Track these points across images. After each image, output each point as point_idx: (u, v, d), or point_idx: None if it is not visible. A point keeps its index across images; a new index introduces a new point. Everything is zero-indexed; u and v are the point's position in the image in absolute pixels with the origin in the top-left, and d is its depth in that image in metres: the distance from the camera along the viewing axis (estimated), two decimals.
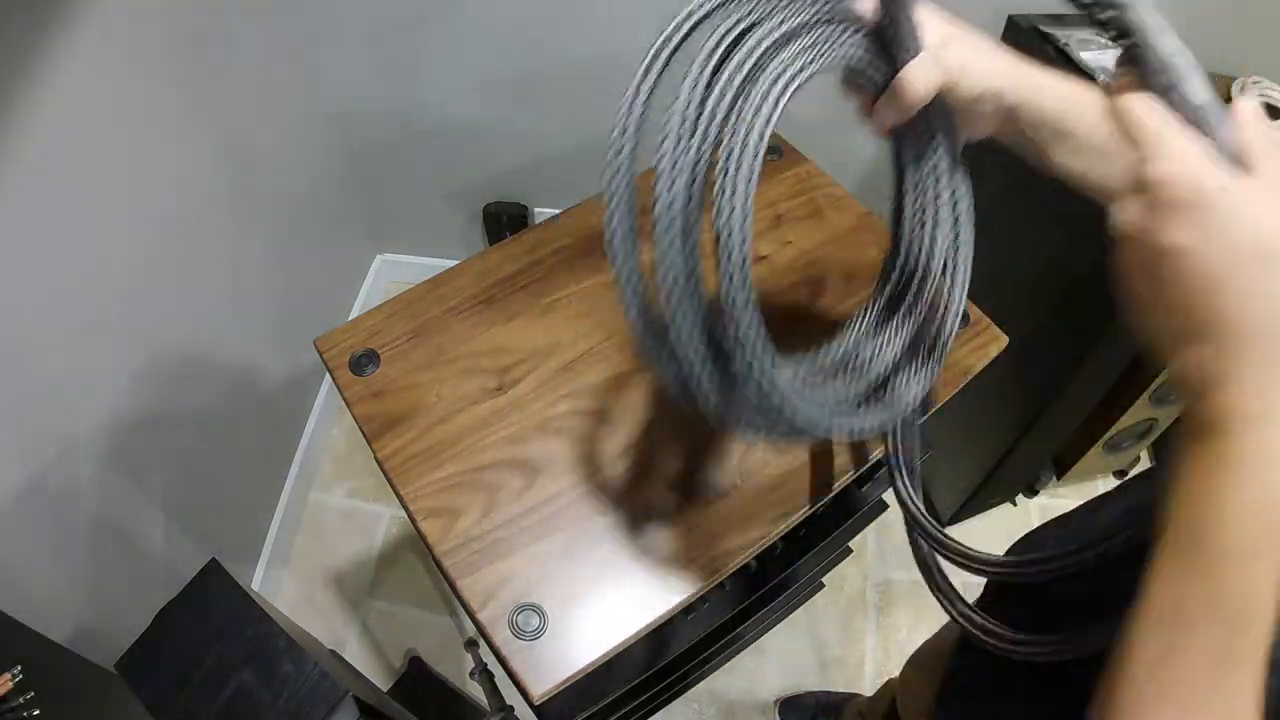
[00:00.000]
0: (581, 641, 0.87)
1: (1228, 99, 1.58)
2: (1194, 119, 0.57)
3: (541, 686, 0.85)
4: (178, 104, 1.57)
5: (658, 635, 0.93)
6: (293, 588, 2.20)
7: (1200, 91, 0.58)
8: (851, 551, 1.78)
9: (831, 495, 0.99)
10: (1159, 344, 0.56)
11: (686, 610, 0.88)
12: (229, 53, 1.71)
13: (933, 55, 0.69)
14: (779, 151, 1.30)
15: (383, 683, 2.05)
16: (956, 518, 2.28)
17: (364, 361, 1.06)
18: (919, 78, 0.69)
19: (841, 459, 1.01)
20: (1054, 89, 0.68)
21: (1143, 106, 0.58)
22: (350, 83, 2.05)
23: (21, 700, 0.99)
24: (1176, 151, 0.54)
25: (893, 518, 2.29)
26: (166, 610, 1.19)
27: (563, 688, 0.85)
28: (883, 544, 2.31)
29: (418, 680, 2.04)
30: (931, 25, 0.69)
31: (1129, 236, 0.56)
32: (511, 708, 1.61)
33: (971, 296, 1.13)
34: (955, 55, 0.69)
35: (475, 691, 2.02)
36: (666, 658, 1.20)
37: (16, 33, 1.17)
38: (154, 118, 1.51)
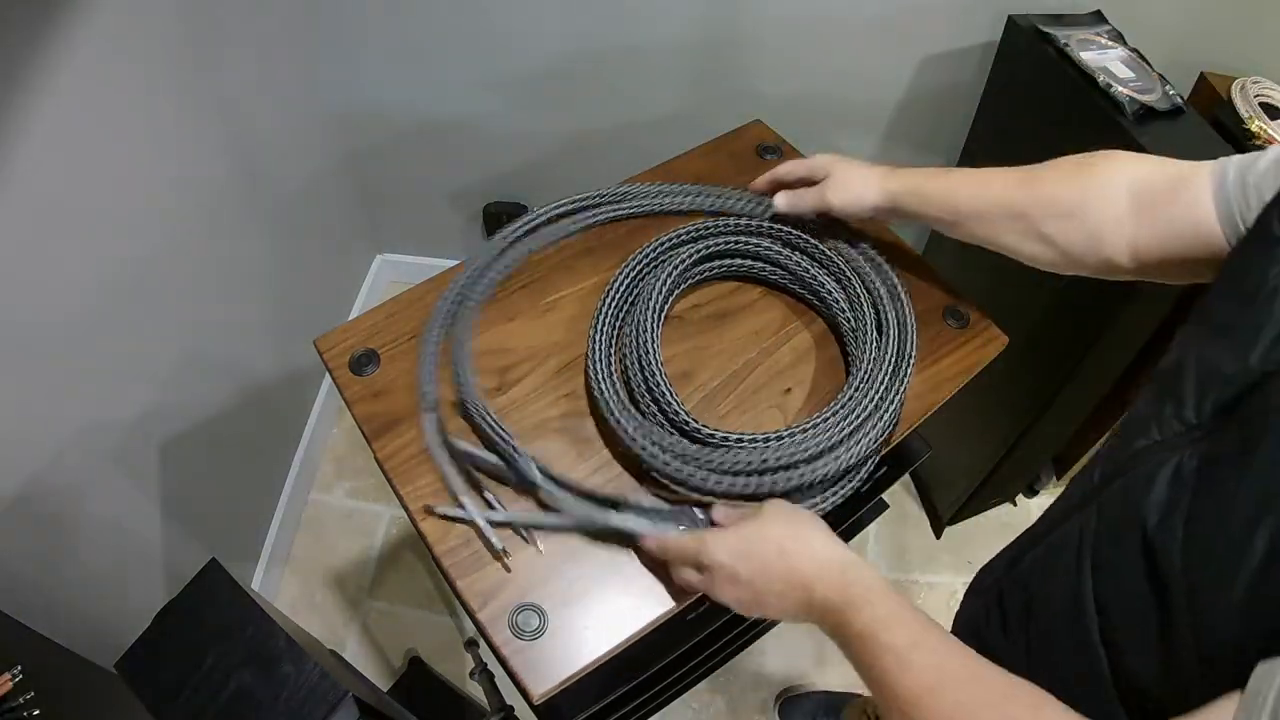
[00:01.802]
0: (581, 642, 0.87)
1: (1228, 98, 1.59)
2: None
3: (541, 686, 0.85)
4: (179, 105, 1.57)
5: (658, 635, 0.93)
6: (293, 587, 2.20)
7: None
8: None
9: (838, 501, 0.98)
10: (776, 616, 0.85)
11: (686, 610, 0.88)
12: (230, 53, 1.71)
13: (821, 191, 1.10)
14: (779, 152, 1.31)
15: (383, 683, 2.04)
16: (956, 518, 2.29)
17: (364, 361, 1.06)
18: (809, 200, 1.11)
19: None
20: (917, 196, 1.03)
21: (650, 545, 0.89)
22: (351, 83, 2.05)
23: (21, 700, 0.99)
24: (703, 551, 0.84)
25: (891, 516, 2.30)
26: (167, 610, 1.19)
27: (562, 688, 0.86)
28: (883, 544, 2.31)
29: (417, 680, 2.04)
30: (825, 164, 1.12)
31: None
32: (511, 707, 1.61)
33: (971, 297, 1.14)
34: (836, 190, 1.08)
35: (475, 691, 2.02)
36: (667, 658, 1.20)
37: (17, 31, 1.17)
38: (155, 118, 1.51)
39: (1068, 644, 0.72)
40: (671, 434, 0.96)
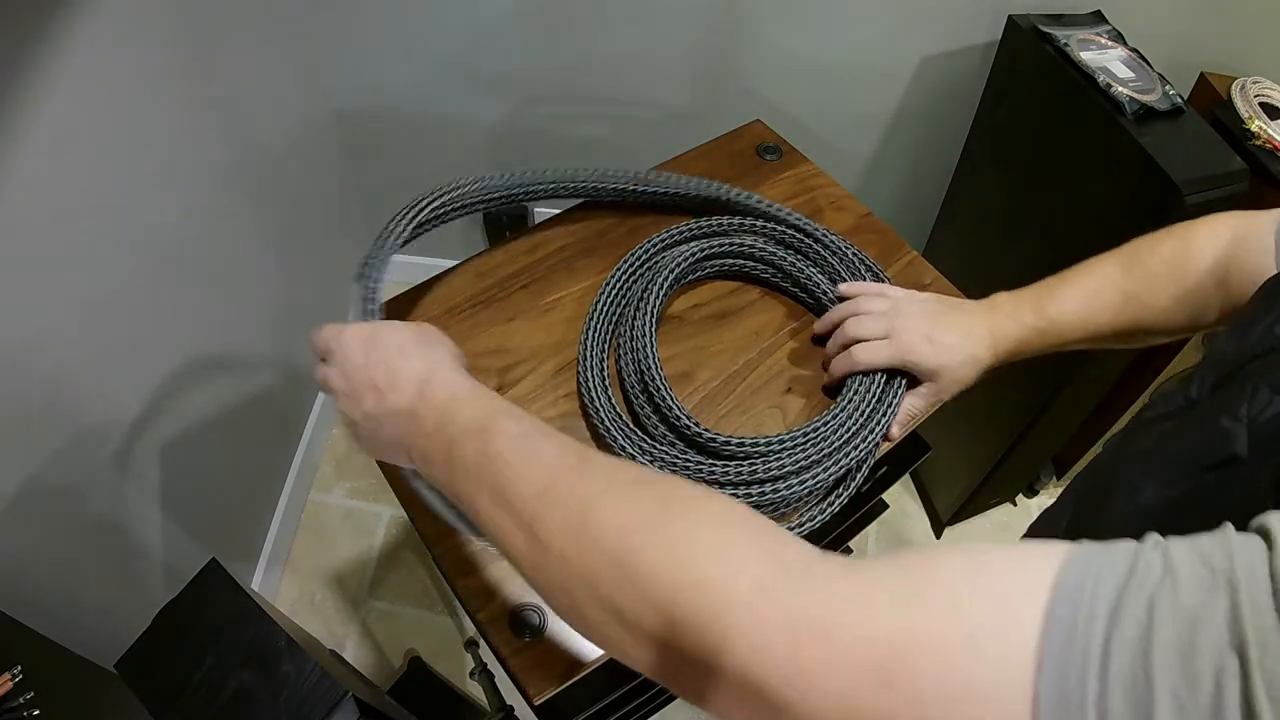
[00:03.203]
0: (582, 642, 0.87)
1: (1228, 98, 1.59)
2: None
3: (541, 687, 0.85)
4: (178, 106, 1.57)
5: None
6: (292, 588, 2.20)
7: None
8: (851, 551, 1.78)
9: (839, 505, 0.98)
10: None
11: None
12: (229, 54, 1.71)
13: (927, 397, 1.01)
14: (778, 152, 1.31)
15: (382, 683, 2.05)
16: (957, 518, 2.29)
17: None
18: (918, 406, 1.02)
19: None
20: (1015, 356, 0.98)
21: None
22: (349, 83, 2.05)
23: (21, 700, 0.99)
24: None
25: (891, 516, 2.30)
26: (166, 610, 1.19)
27: (562, 688, 0.86)
28: (883, 544, 2.32)
29: (417, 680, 2.04)
30: (924, 367, 0.98)
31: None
32: (511, 708, 1.62)
33: (969, 296, 1.14)
34: (946, 390, 1.00)
35: (475, 691, 2.02)
36: None
37: (16, 34, 1.17)
38: (154, 121, 1.51)
39: None
40: (664, 443, 0.96)
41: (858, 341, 1.00)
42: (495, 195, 1.12)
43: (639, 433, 0.97)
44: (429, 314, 1.11)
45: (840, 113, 1.97)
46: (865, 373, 0.99)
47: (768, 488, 0.91)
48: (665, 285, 1.07)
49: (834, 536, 1.35)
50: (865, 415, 0.97)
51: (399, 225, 1.03)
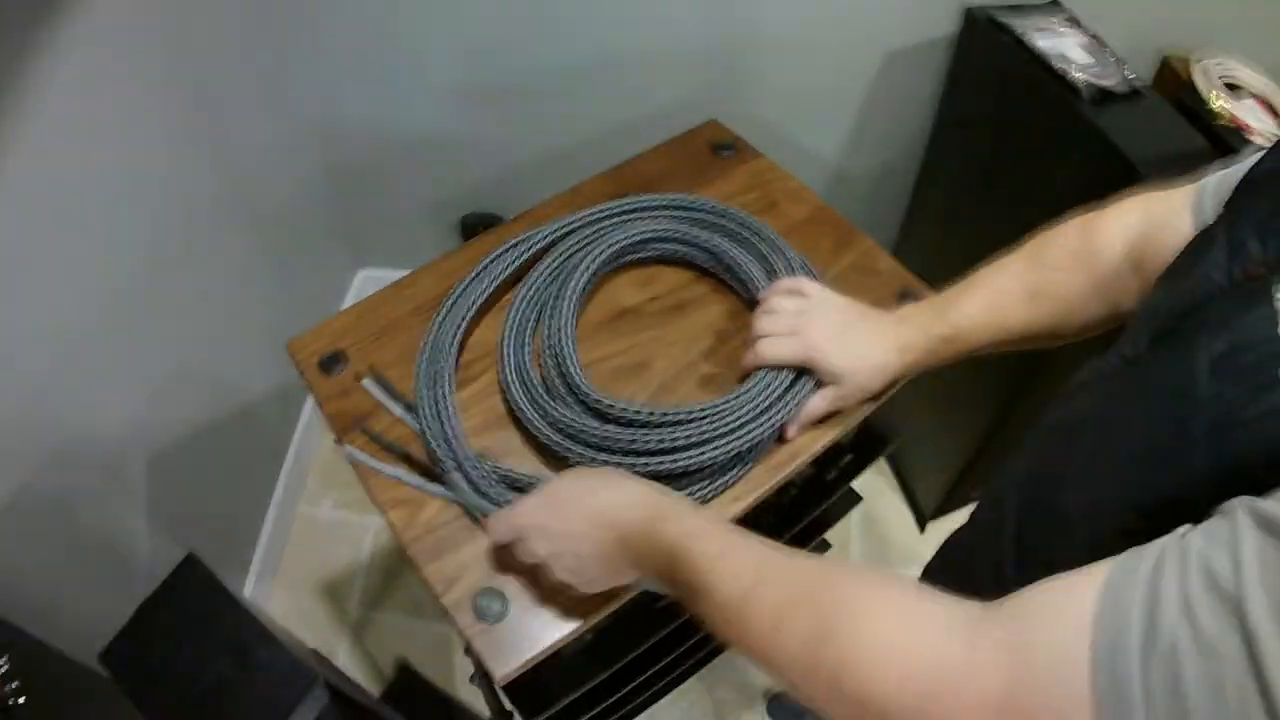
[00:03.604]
0: (545, 624, 0.89)
1: (1188, 78, 1.61)
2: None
3: (505, 668, 0.87)
4: (162, 121, 1.59)
5: (630, 621, 0.94)
6: (282, 599, 2.21)
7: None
8: (830, 545, 1.79)
9: (788, 474, 1.00)
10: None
11: (654, 597, 0.90)
12: (211, 70, 1.73)
13: (829, 398, 1.00)
14: (733, 149, 1.33)
15: (373, 691, 2.06)
16: (939, 512, 2.30)
17: (332, 361, 1.09)
18: (819, 409, 1.01)
19: (799, 442, 1.02)
20: (925, 364, 0.98)
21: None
22: (328, 98, 2.07)
23: (7, 689, 1.00)
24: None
25: (877, 513, 2.31)
26: (147, 604, 1.21)
27: (525, 669, 0.87)
28: (866, 540, 2.33)
29: (408, 687, 2.05)
30: (826, 368, 0.98)
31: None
32: (511, 714, 1.62)
33: (944, 285, 1.15)
34: (851, 394, 1.00)
35: (467, 698, 2.03)
36: (642, 646, 1.21)
37: (4, 52, 1.20)
38: (138, 135, 1.53)
39: (987, 565, 0.75)
40: (563, 406, 0.99)
41: (765, 336, 1.01)
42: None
43: (545, 397, 1.00)
44: (396, 314, 1.14)
45: (803, 110, 1.99)
46: (775, 368, 1.00)
47: (653, 460, 0.94)
48: (598, 262, 1.11)
49: (805, 525, 1.36)
50: (760, 408, 0.97)
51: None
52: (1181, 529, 0.48)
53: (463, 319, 1.08)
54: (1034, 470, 0.77)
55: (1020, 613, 0.52)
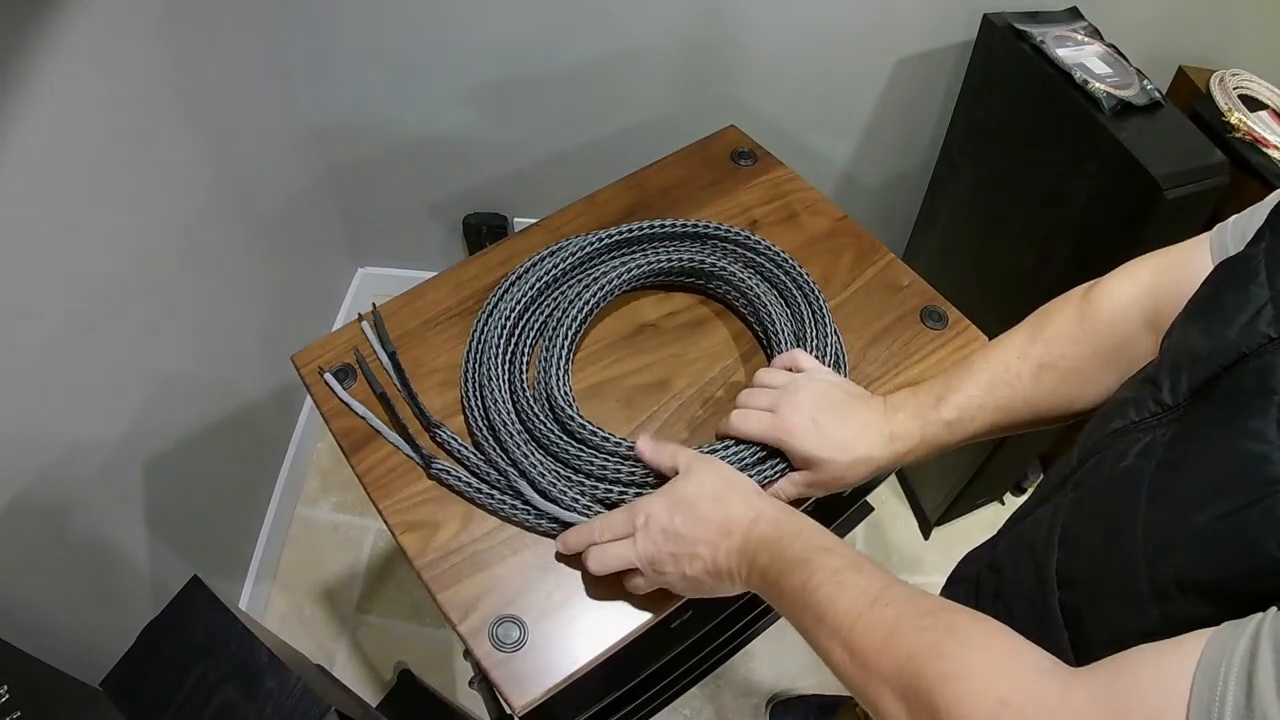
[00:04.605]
0: (562, 652, 0.87)
1: (1206, 92, 1.59)
2: None
3: (523, 698, 0.85)
4: (162, 121, 1.57)
5: (643, 643, 0.93)
6: (281, 603, 2.19)
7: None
8: None
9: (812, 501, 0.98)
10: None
11: (669, 619, 0.88)
12: (211, 69, 1.71)
13: (809, 482, 0.94)
14: (753, 157, 1.31)
15: (372, 697, 2.04)
16: (944, 518, 2.29)
17: (340, 376, 1.06)
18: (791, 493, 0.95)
19: None
20: (922, 458, 0.94)
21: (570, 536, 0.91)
22: (328, 97, 2.05)
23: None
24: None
25: (882, 520, 2.30)
26: (151, 628, 1.19)
27: (544, 699, 0.86)
28: (870, 546, 2.32)
29: (408, 693, 2.04)
30: (804, 456, 0.91)
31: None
32: (511, 717, 1.61)
33: (950, 296, 1.14)
34: (827, 484, 0.93)
35: (467, 702, 2.02)
36: (653, 665, 1.20)
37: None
38: (135, 136, 1.50)
39: (1030, 620, 0.72)
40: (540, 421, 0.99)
41: (740, 408, 0.97)
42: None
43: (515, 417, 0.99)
44: (407, 327, 1.11)
45: (817, 115, 1.97)
46: (744, 442, 0.96)
47: (614, 489, 0.94)
48: (600, 297, 1.09)
49: None
50: None
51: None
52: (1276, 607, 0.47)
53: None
54: (1070, 526, 0.73)
55: (1116, 674, 0.52)
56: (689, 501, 0.84)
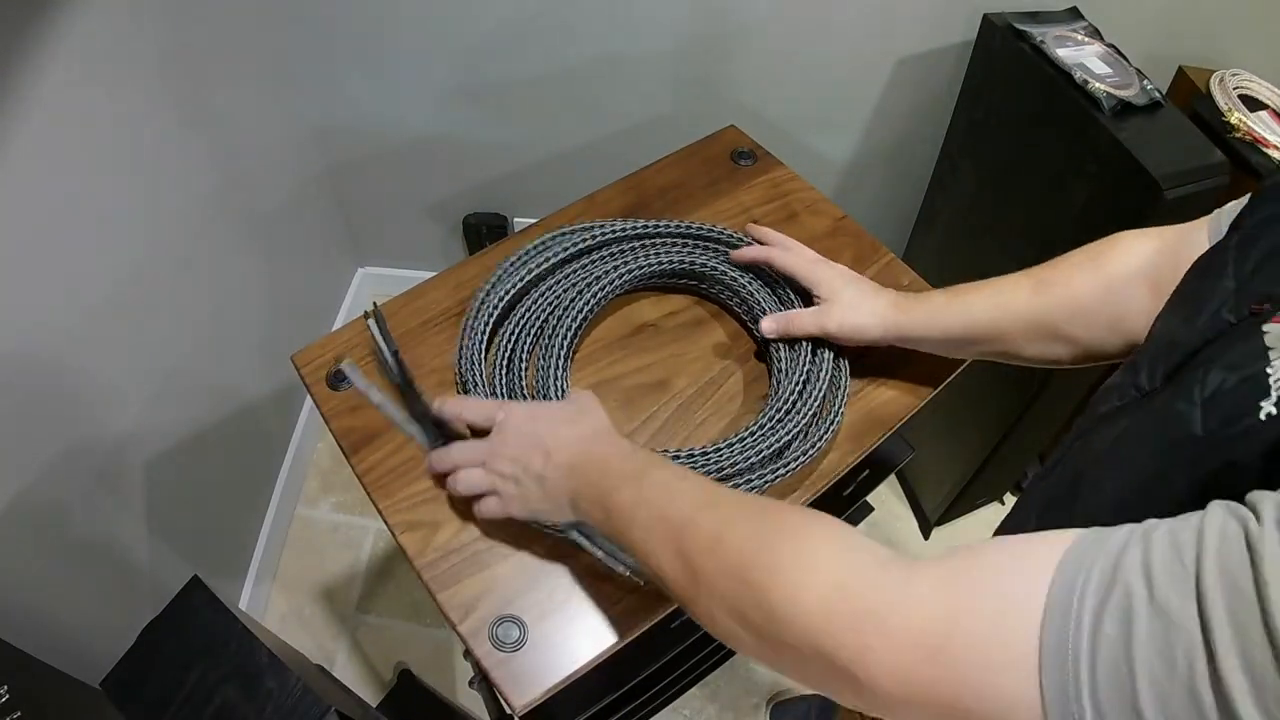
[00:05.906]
0: (562, 652, 0.87)
1: (1206, 92, 1.59)
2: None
3: (523, 698, 0.85)
4: (161, 121, 1.57)
5: (643, 643, 0.93)
6: (281, 603, 2.19)
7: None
8: None
9: (816, 496, 0.98)
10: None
11: (669, 619, 0.88)
12: (211, 70, 1.71)
13: (817, 314, 1.03)
14: (753, 157, 1.30)
15: (372, 697, 2.04)
16: (944, 519, 2.29)
17: (340, 376, 1.06)
18: (803, 325, 1.04)
19: (826, 464, 1.01)
20: (927, 328, 0.99)
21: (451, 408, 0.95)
22: (329, 98, 2.05)
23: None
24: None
25: (882, 519, 2.30)
26: (150, 628, 1.19)
27: (544, 699, 0.86)
28: None
29: (407, 693, 2.04)
30: (829, 282, 1.04)
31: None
32: (511, 717, 1.61)
33: None
34: (835, 316, 1.02)
35: (467, 702, 2.02)
36: (653, 665, 1.20)
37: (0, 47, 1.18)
38: (135, 138, 1.50)
39: None
40: None
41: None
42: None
43: None
44: (407, 326, 1.11)
45: (817, 115, 1.97)
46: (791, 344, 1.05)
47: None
48: (595, 303, 1.09)
49: None
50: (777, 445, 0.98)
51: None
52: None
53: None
54: (1047, 493, 0.76)
55: (970, 559, 0.53)
56: (547, 414, 0.90)
